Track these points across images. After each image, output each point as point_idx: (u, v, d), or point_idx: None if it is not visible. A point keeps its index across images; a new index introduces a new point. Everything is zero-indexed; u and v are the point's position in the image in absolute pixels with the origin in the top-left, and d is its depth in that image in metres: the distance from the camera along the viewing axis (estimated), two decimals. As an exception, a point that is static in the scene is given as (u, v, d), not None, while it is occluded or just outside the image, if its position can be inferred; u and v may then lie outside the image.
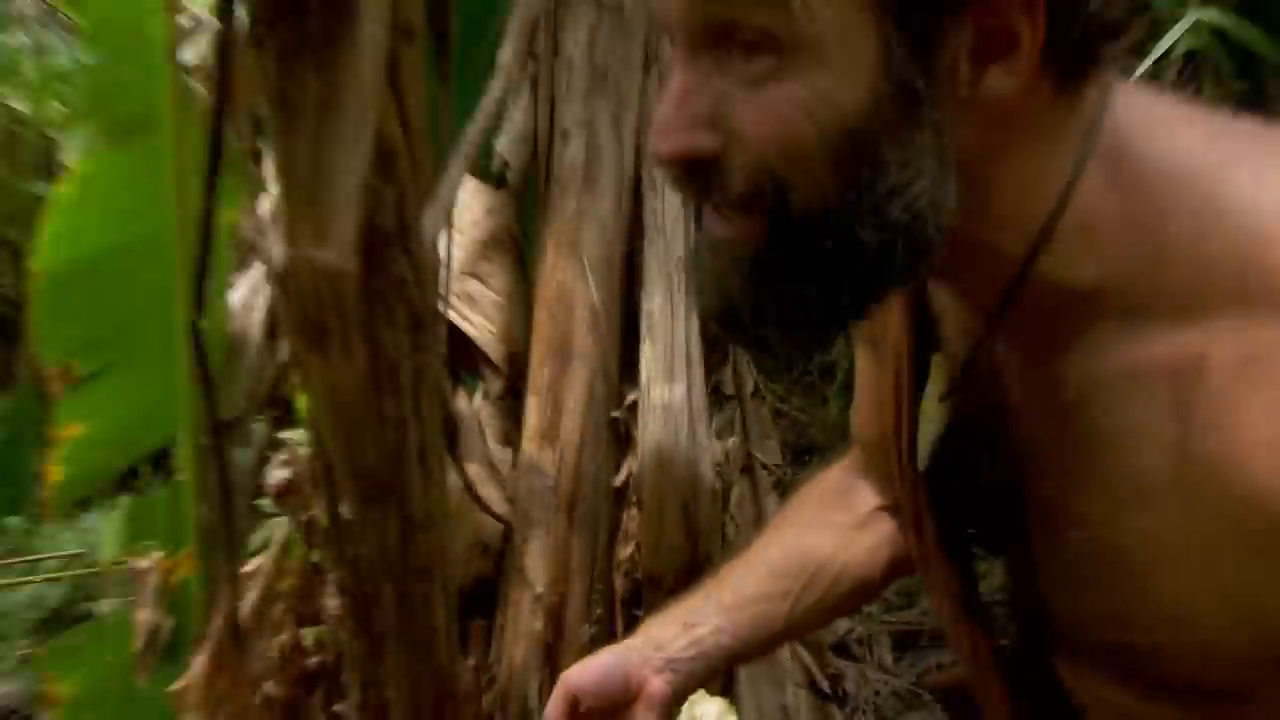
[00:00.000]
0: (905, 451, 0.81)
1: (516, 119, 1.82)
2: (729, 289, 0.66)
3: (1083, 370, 0.63)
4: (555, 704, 0.90)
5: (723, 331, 0.72)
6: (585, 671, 0.92)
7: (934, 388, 0.75)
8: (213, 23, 2.35)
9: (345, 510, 0.97)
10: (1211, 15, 1.93)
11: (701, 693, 0.95)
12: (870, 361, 0.92)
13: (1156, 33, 2.76)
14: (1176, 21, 2.20)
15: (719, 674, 1.00)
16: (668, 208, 1.74)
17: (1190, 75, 2.87)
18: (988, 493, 0.76)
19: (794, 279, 0.64)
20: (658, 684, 0.91)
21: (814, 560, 0.99)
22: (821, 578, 0.98)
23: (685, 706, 0.94)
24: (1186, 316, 0.58)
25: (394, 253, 0.87)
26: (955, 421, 0.75)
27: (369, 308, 0.85)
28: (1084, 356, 0.63)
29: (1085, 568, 0.67)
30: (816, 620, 1.01)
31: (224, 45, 0.74)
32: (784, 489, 2.02)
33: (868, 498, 1.04)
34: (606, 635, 1.62)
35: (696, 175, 0.63)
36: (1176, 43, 2.05)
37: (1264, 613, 0.58)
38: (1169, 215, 0.59)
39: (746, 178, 0.61)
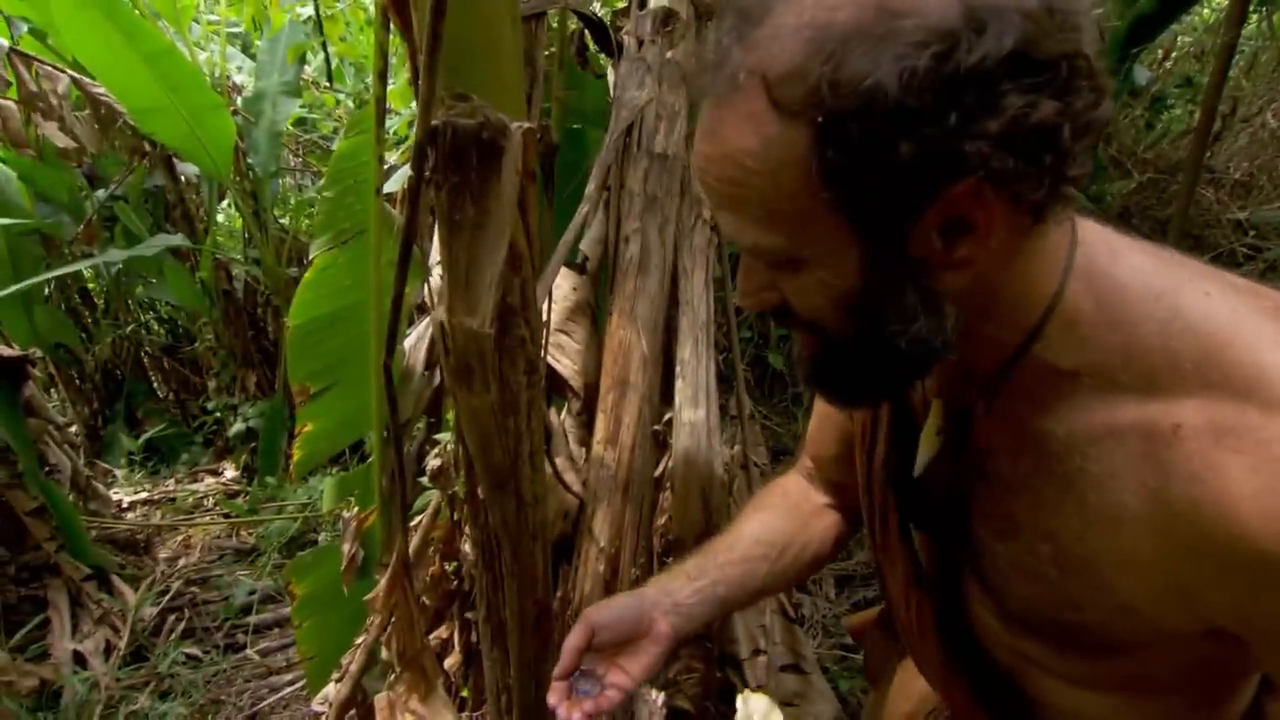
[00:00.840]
0: (879, 469, 0.79)
1: (594, 228, 1.83)
2: (806, 368, 0.68)
3: (1066, 427, 0.59)
4: (575, 634, 0.83)
5: (807, 387, 0.72)
6: (604, 609, 0.85)
7: (933, 424, 0.71)
8: (405, 170, 2.41)
9: (480, 492, 0.97)
10: None
11: (748, 691, 0.88)
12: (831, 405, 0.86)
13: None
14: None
15: (713, 619, 0.94)
16: (694, 288, 1.74)
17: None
18: (937, 502, 0.72)
19: (839, 374, 0.66)
20: (664, 624, 0.85)
21: (785, 535, 0.96)
22: (790, 549, 0.95)
23: (739, 702, 0.88)
24: (1155, 393, 0.55)
25: (518, 320, 0.88)
26: (945, 451, 0.71)
27: (499, 358, 0.86)
28: (1066, 417, 0.59)
29: (1051, 569, 0.63)
30: (785, 580, 0.96)
31: (415, 185, 0.75)
32: (767, 480, 2.01)
33: (818, 497, 1.02)
34: (647, 576, 1.60)
35: (773, 314, 0.65)
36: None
37: (1204, 607, 0.56)
38: (1139, 320, 0.56)
39: (798, 319, 0.63)
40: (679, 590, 0.88)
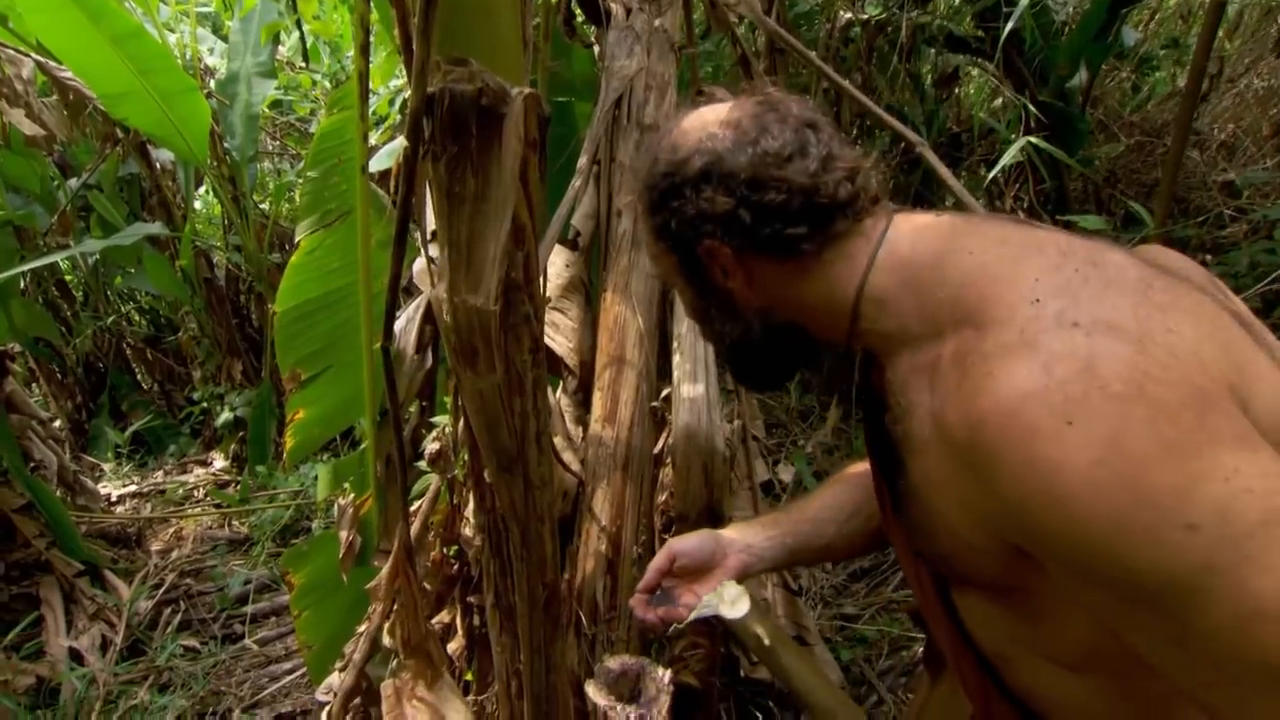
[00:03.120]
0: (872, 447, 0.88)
1: (585, 203, 1.79)
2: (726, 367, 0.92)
3: (896, 376, 0.73)
4: (660, 558, 0.99)
5: (734, 381, 0.95)
6: (686, 540, 1.00)
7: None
8: (389, 149, 2.34)
9: (487, 475, 0.94)
10: (1033, 140, 2.00)
11: (729, 580, 0.95)
12: None
13: (999, 151, 2.73)
14: (1010, 144, 2.22)
15: (779, 566, 1.08)
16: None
17: (1018, 177, 2.84)
18: (892, 468, 0.80)
19: (735, 367, 0.93)
20: (734, 560, 1.00)
21: (853, 503, 1.04)
22: (857, 516, 1.03)
23: (717, 589, 0.94)
24: (937, 335, 0.68)
25: (521, 296, 0.84)
26: (869, 423, 0.86)
27: (504, 336, 0.82)
28: (894, 368, 0.74)
29: (913, 506, 0.73)
30: (850, 543, 1.05)
31: (411, 157, 0.71)
32: (765, 455, 2.00)
33: None
34: (649, 554, 1.58)
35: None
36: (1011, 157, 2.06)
37: (986, 514, 0.63)
38: (924, 285, 0.71)
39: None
40: (753, 535, 1.03)
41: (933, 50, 2.99)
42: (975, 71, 3.27)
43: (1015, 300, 0.63)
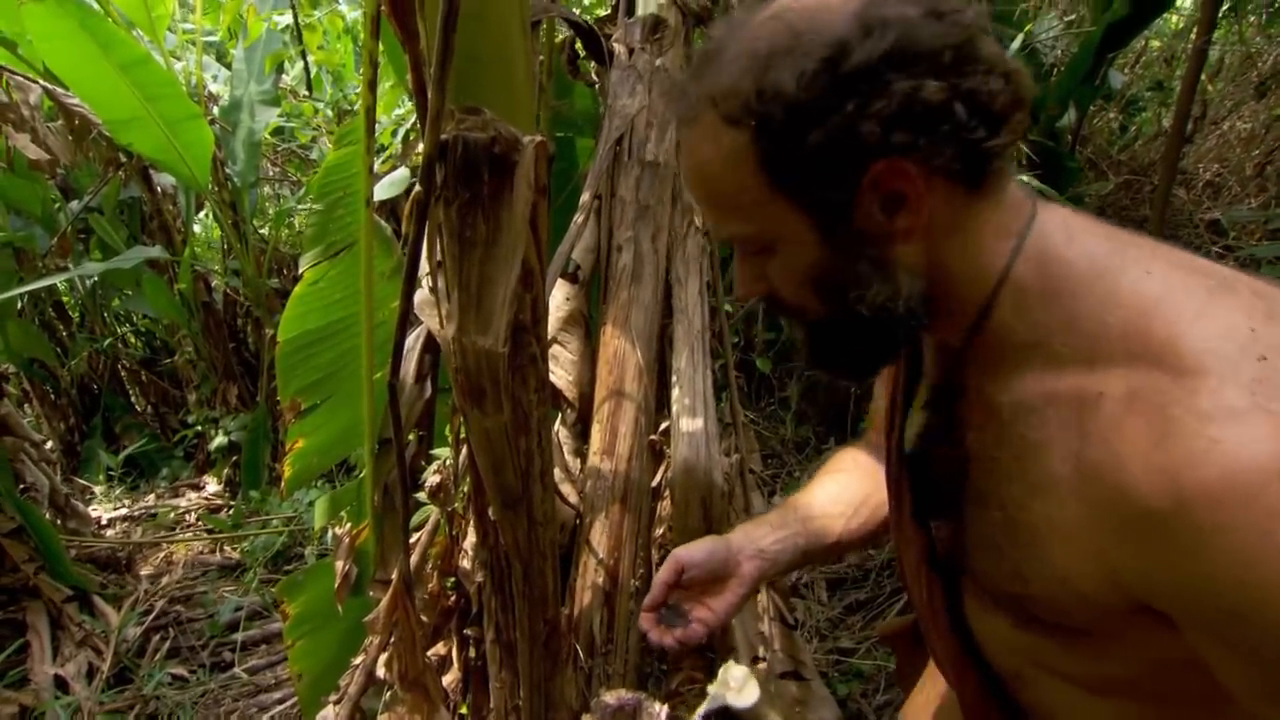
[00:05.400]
0: (895, 445, 0.82)
1: (586, 237, 1.80)
2: (805, 353, 0.74)
3: (1014, 397, 0.63)
4: (665, 570, 0.88)
5: (811, 371, 0.81)
6: (693, 549, 0.90)
7: (919, 401, 0.77)
8: (392, 177, 2.37)
9: (491, 512, 0.94)
10: (1024, 178, 2.02)
11: (731, 661, 0.90)
12: (882, 382, 0.93)
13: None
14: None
15: (794, 568, 0.99)
16: (689, 297, 1.72)
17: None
18: (939, 476, 0.74)
19: (829, 352, 0.73)
20: (749, 566, 0.90)
21: (861, 494, 0.97)
22: (865, 507, 0.96)
23: (720, 670, 0.89)
24: (1089, 364, 0.58)
25: (529, 338, 0.85)
26: (932, 426, 0.75)
27: (512, 376, 0.83)
28: (1015, 387, 0.63)
29: (1002, 538, 0.66)
30: (861, 536, 0.97)
31: (424, 201, 0.72)
32: (761, 486, 2.00)
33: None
34: (646, 587, 1.57)
35: (765, 303, 0.72)
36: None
37: (1121, 574, 0.57)
38: (1080, 296, 0.60)
39: (783, 305, 0.70)
40: (763, 538, 0.93)
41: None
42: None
43: (1231, 351, 0.52)
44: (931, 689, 1.01)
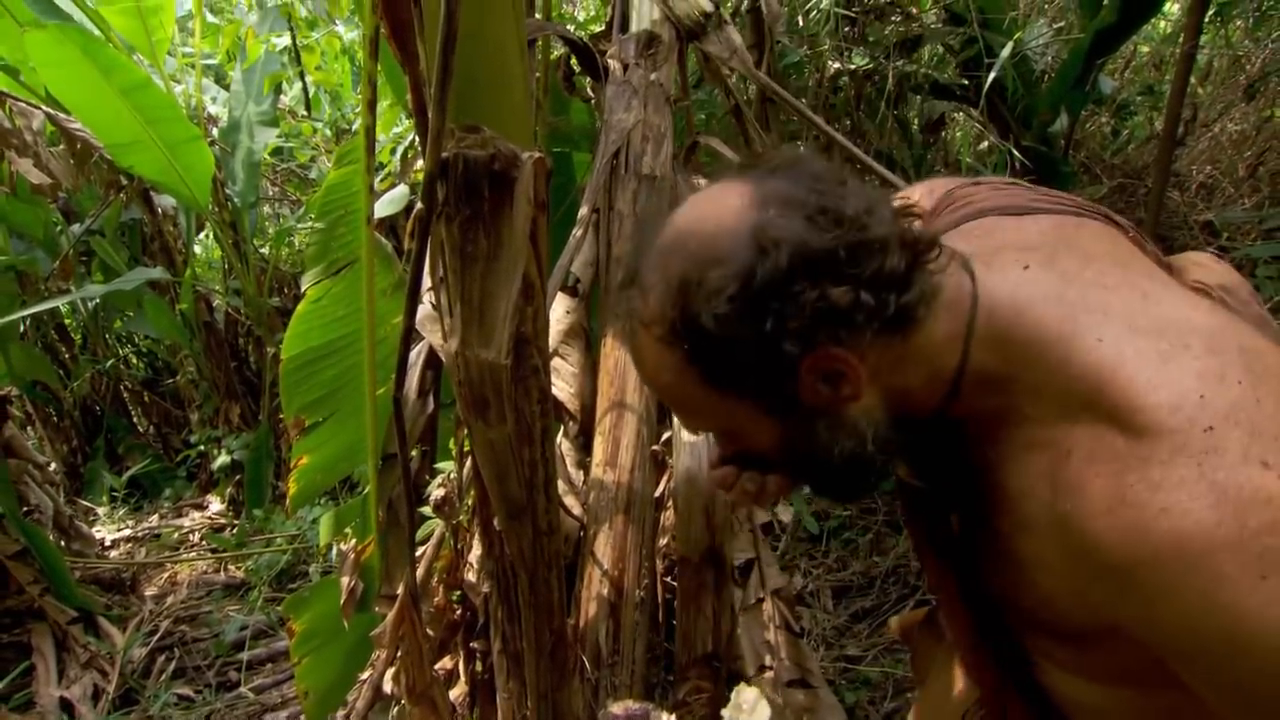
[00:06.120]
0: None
1: (585, 250, 1.82)
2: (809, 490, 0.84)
3: (999, 449, 0.68)
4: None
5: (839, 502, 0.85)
6: None
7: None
8: (392, 195, 2.39)
9: (496, 523, 0.95)
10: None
11: (742, 684, 0.91)
12: None
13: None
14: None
15: None
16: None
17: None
18: (949, 505, 0.79)
19: (825, 490, 0.82)
20: None
21: None
22: None
23: (733, 694, 0.90)
24: (1059, 420, 0.63)
25: (530, 350, 0.86)
26: (931, 467, 0.80)
27: (515, 388, 0.84)
28: (994, 439, 0.68)
29: (1001, 563, 0.71)
30: None
31: (426, 219, 0.73)
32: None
33: None
34: (652, 599, 1.57)
35: (752, 467, 0.76)
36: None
37: (1094, 607, 0.63)
38: (1043, 364, 0.64)
39: (766, 469, 0.76)
40: None
41: (919, 98, 3.07)
42: (961, 117, 3.36)
43: (1180, 423, 0.56)
44: (944, 679, 1.01)
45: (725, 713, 0.91)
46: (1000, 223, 0.77)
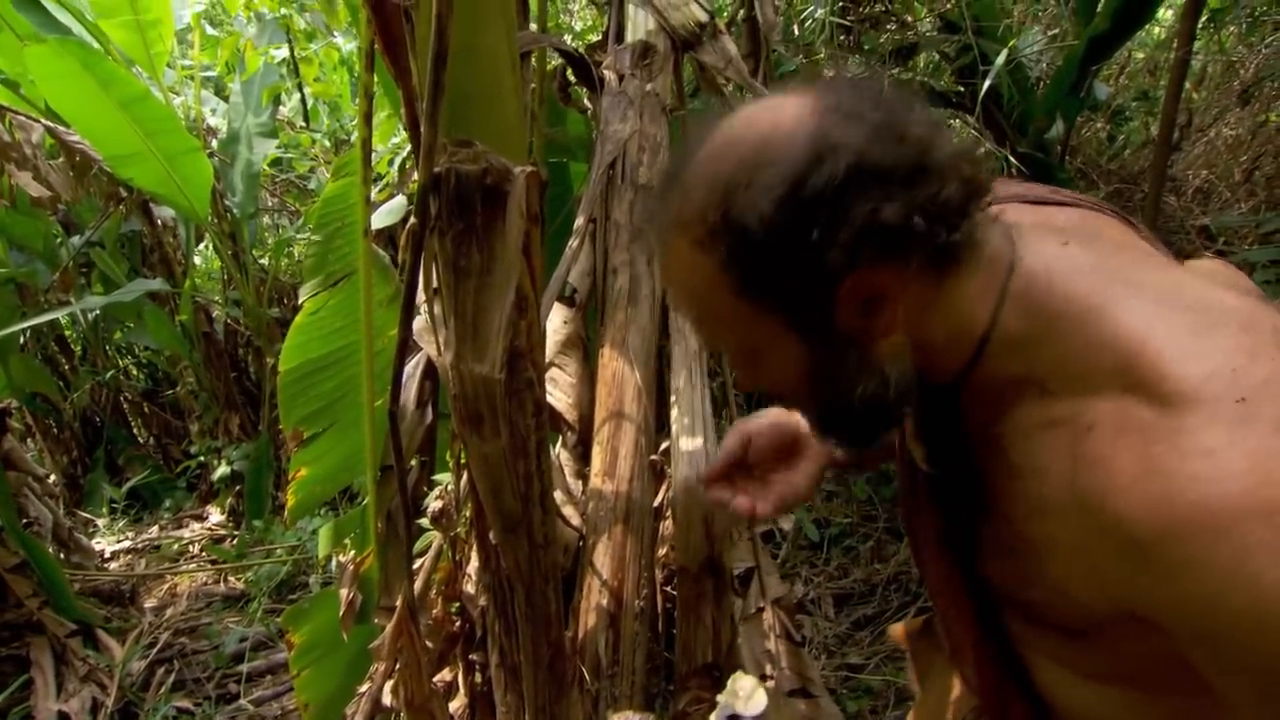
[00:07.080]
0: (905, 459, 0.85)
1: (582, 260, 1.82)
2: (813, 429, 0.77)
3: (1008, 426, 0.66)
4: (731, 440, 0.87)
5: (822, 442, 0.83)
6: (758, 420, 0.88)
7: (910, 430, 0.80)
8: (389, 206, 2.39)
9: (492, 537, 0.95)
10: None
11: (739, 672, 0.91)
12: None
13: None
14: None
15: (861, 458, 0.98)
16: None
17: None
18: (954, 495, 0.77)
19: (831, 429, 0.75)
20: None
21: None
22: None
23: (729, 680, 0.90)
24: (1081, 394, 0.61)
25: (525, 363, 0.86)
26: (937, 452, 0.78)
27: (509, 402, 0.84)
28: (1010, 416, 0.66)
29: (1006, 549, 0.70)
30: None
31: (419, 233, 0.73)
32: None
33: None
34: (651, 609, 1.57)
35: (767, 393, 0.75)
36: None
37: (1109, 589, 0.61)
38: (1064, 340, 0.63)
39: (782, 398, 0.75)
40: None
41: (915, 105, 3.08)
42: (957, 124, 3.37)
43: (1212, 393, 0.55)
44: (940, 686, 1.01)
45: (721, 698, 0.91)
46: (1023, 209, 0.75)
